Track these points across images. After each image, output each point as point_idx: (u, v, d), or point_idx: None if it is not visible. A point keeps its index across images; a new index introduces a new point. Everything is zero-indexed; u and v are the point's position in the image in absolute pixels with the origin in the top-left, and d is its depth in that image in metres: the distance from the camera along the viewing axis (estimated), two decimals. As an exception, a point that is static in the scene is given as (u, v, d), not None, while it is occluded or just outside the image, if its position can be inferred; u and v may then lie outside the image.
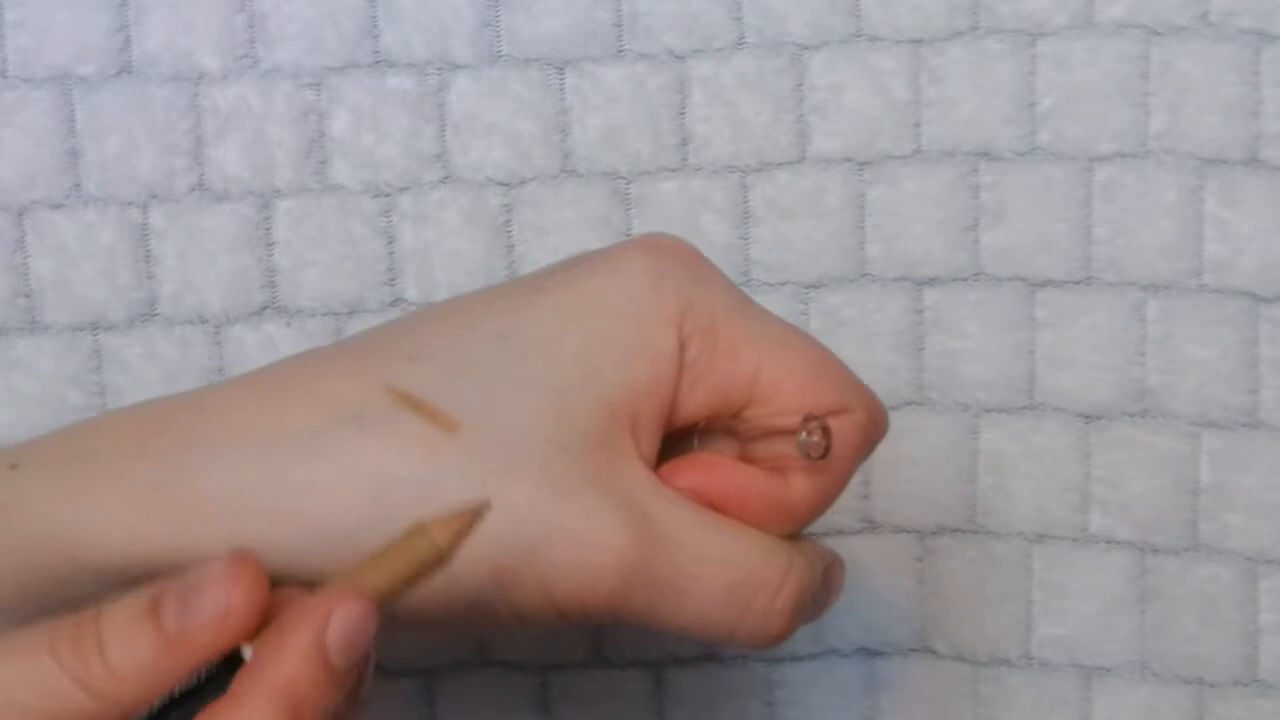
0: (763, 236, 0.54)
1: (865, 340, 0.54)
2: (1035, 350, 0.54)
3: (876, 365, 0.55)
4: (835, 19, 0.53)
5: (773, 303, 0.54)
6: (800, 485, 0.43)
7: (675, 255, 0.44)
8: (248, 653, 0.38)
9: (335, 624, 0.38)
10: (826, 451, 0.42)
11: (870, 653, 0.56)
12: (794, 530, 0.44)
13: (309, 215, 0.53)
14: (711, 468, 0.43)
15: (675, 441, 0.44)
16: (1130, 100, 0.53)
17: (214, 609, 0.37)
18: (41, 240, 0.52)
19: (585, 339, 0.42)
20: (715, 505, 0.43)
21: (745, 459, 0.44)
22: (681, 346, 0.43)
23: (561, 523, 0.40)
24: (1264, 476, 0.54)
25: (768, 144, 0.53)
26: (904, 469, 0.55)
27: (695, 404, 0.43)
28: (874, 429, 0.44)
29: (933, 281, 0.54)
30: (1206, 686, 0.55)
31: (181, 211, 0.52)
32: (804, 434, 0.42)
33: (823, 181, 0.54)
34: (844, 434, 0.43)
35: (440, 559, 0.39)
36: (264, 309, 0.53)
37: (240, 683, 0.37)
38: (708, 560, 0.42)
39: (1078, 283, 0.54)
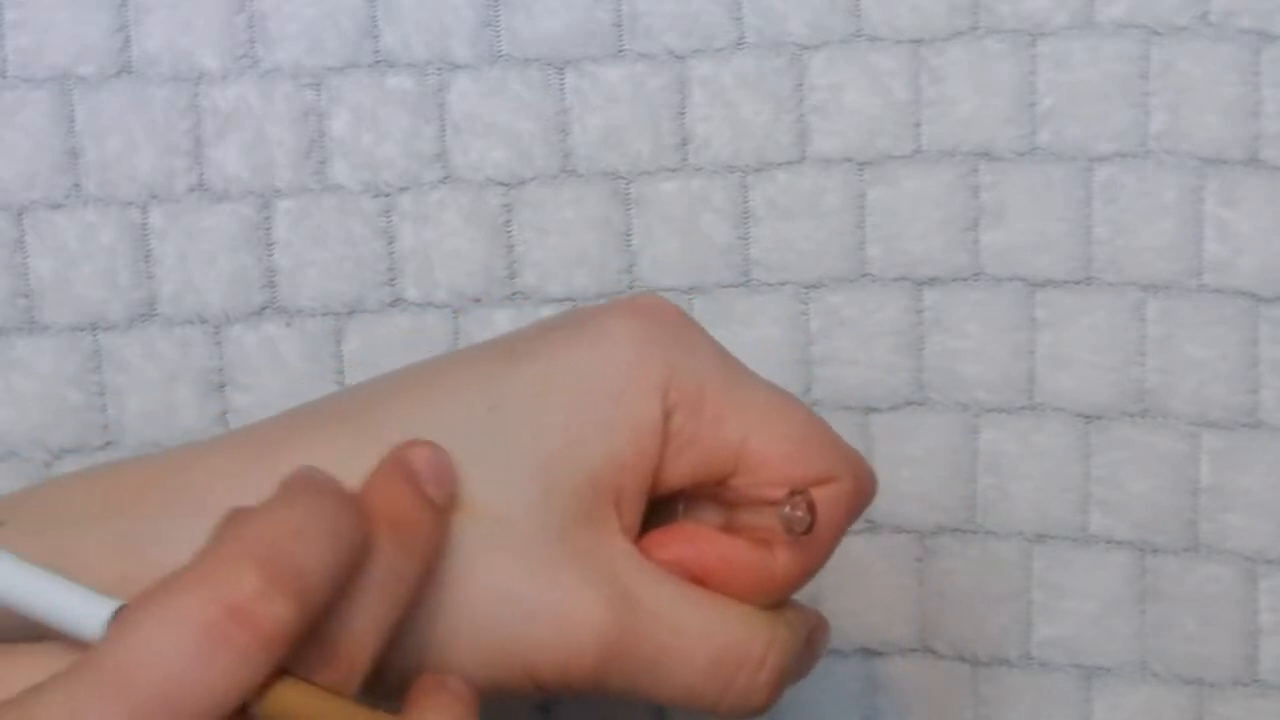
0: (763, 236, 0.54)
1: (865, 340, 0.54)
2: (1035, 350, 0.54)
3: (876, 365, 0.55)
4: (835, 19, 0.53)
5: (773, 303, 0.54)
6: (784, 558, 0.43)
7: (660, 319, 0.43)
8: None
9: (413, 454, 0.39)
10: (810, 527, 0.41)
11: (870, 653, 0.56)
12: (778, 601, 0.43)
13: (309, 215, 0.53)
14: (695, 540, 0.43)
15: (660, 507, 0.43)
16: (1130, 100, 0.53)
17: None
18: (41, 240, 0.52)
19: (568, 411, 0.42)
20: (698, 578, 0.42)
21: (731, 527, 0.43)
22: (666, 416, 0.42)
23: (543, 601, 0.40)
24: (1264, 476, 0.54)
25: (768, 144, 0.53)
26: (904, 469, 0.55)
27: (680, 473, 0.43)
28: (861, 497, 0.44)
29: (933, 281, 0.54)
30: (1206, 686, 0.55)
31: (181, 211, 0.52)
32: (787, 508, 0.42)
33: (823, 181, 0.54)
34: (830, 504, 0.42)
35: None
36: (264, 309, 0.53)
37: (353, 505, 0.38)
38: (689, 636, 0.41)
39: (1078, 283, 0.54)
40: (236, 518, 0.36)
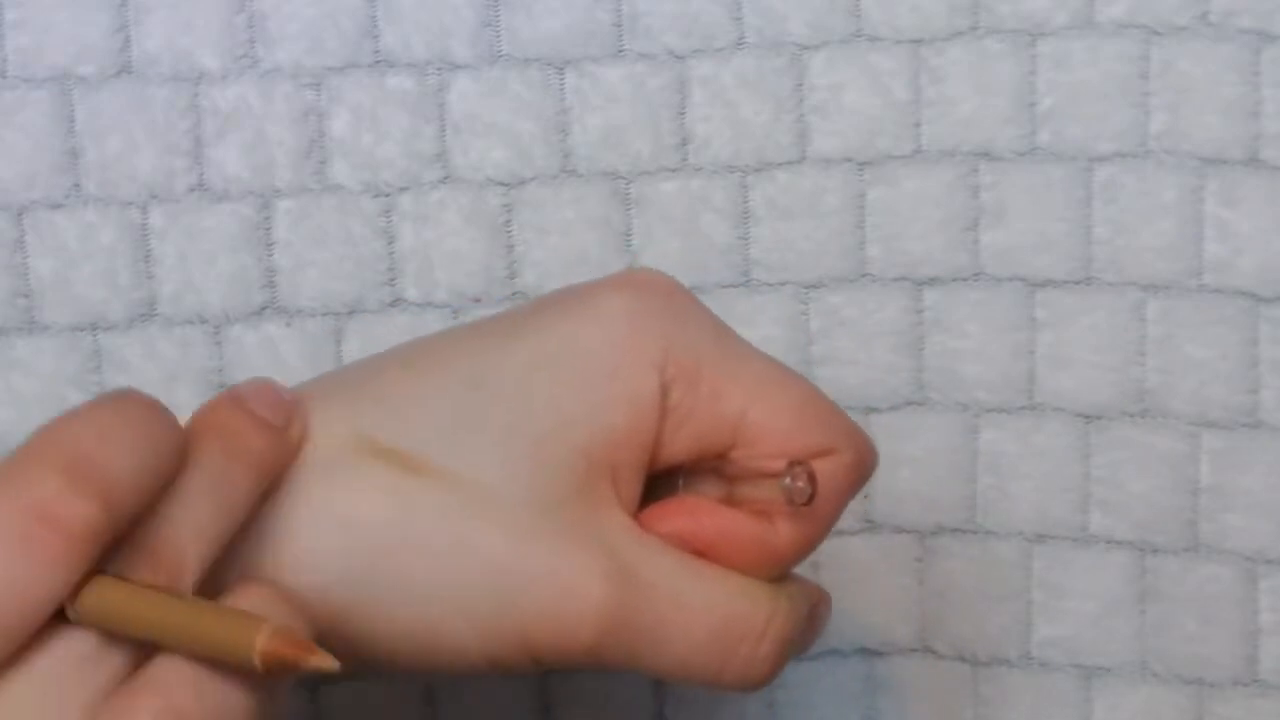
0: (763, 236, 0.54)
1: (865, 340, 0.54)
2: (1035, 350, 0.54)
3: (876, 365, 0.55)
4: (835, 19, 0.53)
5: (773, 303, 0.54)
6: (785, 530, 0.43)
7: (656, 293, 0.43)
8: None
9: (241, 384, 0.40)
10: (811, 498, 0.41)
11: (870, 653, 0.56)
12: (779, 573, 0.43)
13: (309, 215, 0.53)
14: (695, 512, 0.43)
15: (660, 481, 0.43)
16: (1130, 100, 0.53)
17: None
18: (41, 240, 0.52)
19: (559, 386, 0.42)
20: (699, 550, 0.42)
21: (731, 500, 0.43)
22: (663, 391, 0.42)
23: (538, 573, 0.40)
24: (1264, 476, 0.54)
25: (768, 144, 0.53)
26: (904, 469, 0.55)
27: (679, 447, 0.43)
28: (862, 469, 0.44)
29: (933, 281, 0.54)
30: (1206, 686, 0.55)
31: (181, 211, 0.52)
32: (788, 480, 0.41)
33: (823, 181, 0.54)
34: (830, 476, 0.42)
35: (246, 669, 0.36)
36: (264, 309, 0.53)
37: (185, 428, 0.38)
38: (689, 608, 0.41)
39: (1078, 283, 0.54)
40: (44, 426, 0.37)
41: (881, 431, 0.55)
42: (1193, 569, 0.55)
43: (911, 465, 0.55)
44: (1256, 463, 0.54)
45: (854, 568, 0.56)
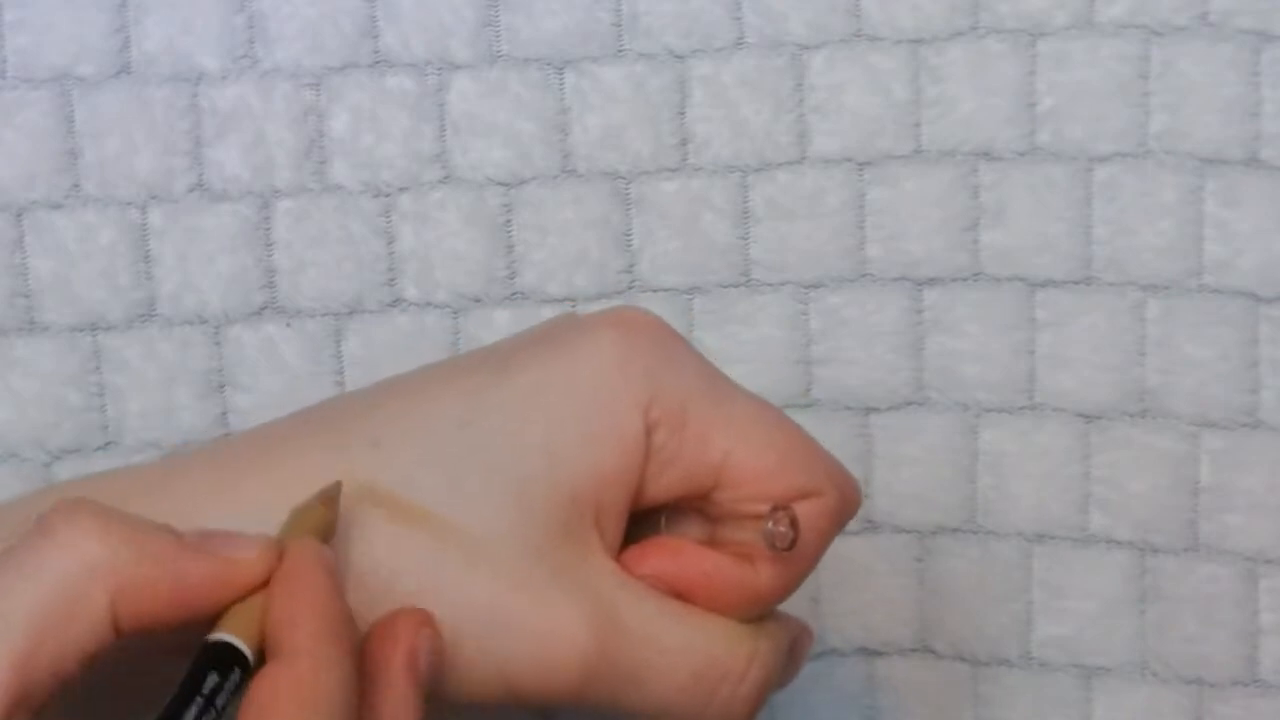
0: (763, 236, 0.54)
1: (865, 340, 0.54)
2: (1035, 350, 0.54)
3: (876, 365, 0.55)
4: (835, 19, 0.53)
5: (773, 303, 0.54)
6: (766, 572, 0.43)
7: (645, 333, 0.43)
8: (243, 647, 0.37)
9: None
10: (793, 543, 0.41)
11: (870, 653, 0.56)
12: (759, 614, 0.43)
13: (309, 215, 0.53)
14: (677, 554, 0.43)
15: (642, 520, 0.43)
16: (1130, 100, 0.53)
17: None
18: (41, 240, 0.52)
19: (550, 425, 0.41)
20: (680, 592, 0.42)
21: (713, 541, 0.43)
22: (648, 432, 0.42)
23: (523, 619, 0.40)
24: (1264, 476, 0.54)
25: (768, 144, 0.53)
26: (904, 469, 0.55)
27: (662, 488, 0.43)
28: (845, 510, 0.44)
29: (933, 281, 0.54)
30: (1206, 686, 0.55)
31: (181, 211, 0.52)
32: (770, 524, 0.41)
33: (823, 181, 0.54)
34: (813, 518, 0.42)
35: (330, 529, 0.39)
36: (263, 309, 0.53)
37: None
38: (671, 651, 0.41)
39: (1078, 283, 0.54)
40: None
41: (881, 431, 0.55)
42: (1193, 569, 0.55)
43: (911, 465, 0.55)
44: (1256, 463, 0.54)
45: (854, 568, 0.56)
